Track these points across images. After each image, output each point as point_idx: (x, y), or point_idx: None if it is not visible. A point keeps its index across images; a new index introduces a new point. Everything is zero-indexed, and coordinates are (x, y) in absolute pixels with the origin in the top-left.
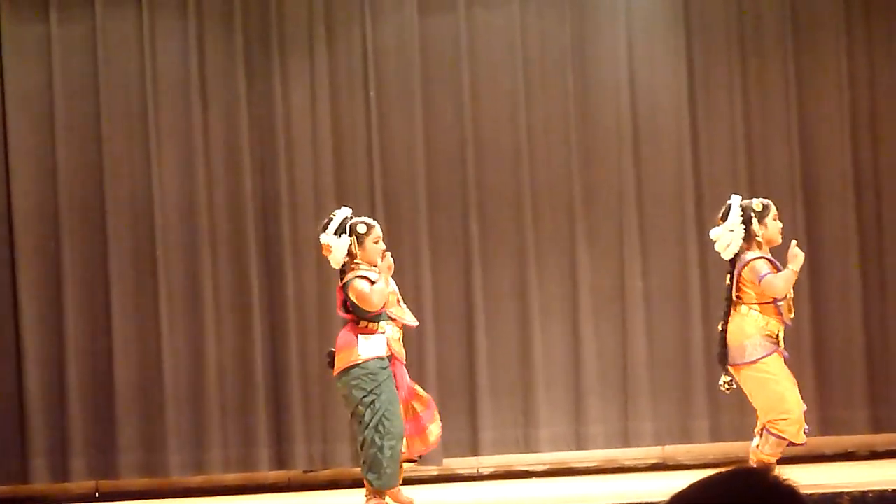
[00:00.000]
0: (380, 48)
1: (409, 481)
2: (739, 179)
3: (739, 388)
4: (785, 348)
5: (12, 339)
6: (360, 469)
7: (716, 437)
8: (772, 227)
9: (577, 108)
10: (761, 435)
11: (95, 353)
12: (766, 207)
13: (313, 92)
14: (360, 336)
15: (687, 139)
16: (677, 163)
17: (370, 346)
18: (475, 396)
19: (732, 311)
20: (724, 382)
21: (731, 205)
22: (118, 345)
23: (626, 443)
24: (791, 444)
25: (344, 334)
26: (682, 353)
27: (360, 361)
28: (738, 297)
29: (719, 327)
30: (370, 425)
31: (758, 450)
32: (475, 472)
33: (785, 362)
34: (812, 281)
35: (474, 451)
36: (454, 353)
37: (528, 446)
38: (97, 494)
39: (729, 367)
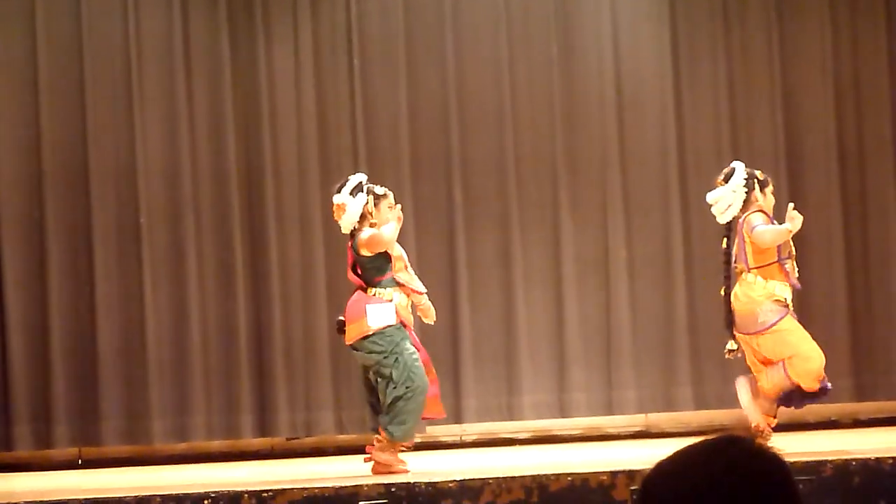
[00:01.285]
0: (364, 15)
1: None
2: (723, 148)
3: (744, 357)
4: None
5: None
6: (345, 435)
7: (699, 404)
8: (769, 199)
9: (560, 76)
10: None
11: (79, 321)
12: (766, 179)
13: (297, 59)
14: (368, 306)
15: (670, 107)
16: (661, 131)
17: (380, 316)
18: (459, 364)
19: (738, 279)
20: (729, 350)
21: (734, 168)
22: (102, 312)
23: (609, 411)
24: (806, 394)
25: (353, 303)
26: (666, 322)
27: (371, 332)
28: (744, 263)
29: (721, 292)
30: (400, 382)
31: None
32: (459, 439)
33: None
34: (795, 250)
35: (458, 419)
36: (438, 322)
37: (511, 414)
38: (80, 461)
39: (739, 337)
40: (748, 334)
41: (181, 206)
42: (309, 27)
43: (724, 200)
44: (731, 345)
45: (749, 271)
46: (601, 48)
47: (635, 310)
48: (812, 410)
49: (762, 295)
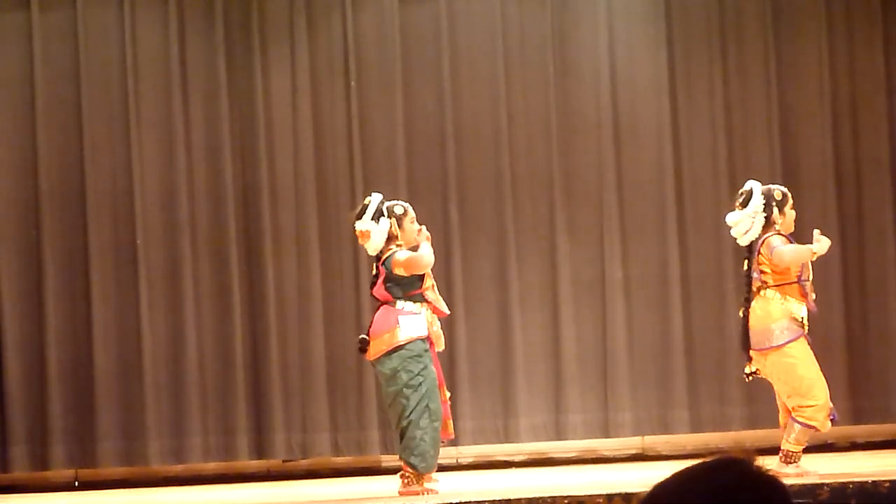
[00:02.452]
0: (360, 37)
1: (388, 471)
2: (719, 169)
3: (762, 377)
4: (809, 332)
5: None
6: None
7: (695, 427)
8: (789, 216)
9: (557, 97)
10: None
11: (75, 342)
12: (785, 196)
13: (294, 81)
14: (400, 317)
15: (667, 128)
16: (657, 152)
17: (412, 327)
18: (455, 386)
19: (756, 296)
20: (747, 374)
21: (751, 191)
22: (98, 333)
23: (605, 433)
24: (817, 430)
25: (382, 316)
26: (662, 344)
27: (403, 343)
28: (762, 281)
29: (740, 313)
30: (416, 408)
31: (785, 440)
32: (454, 462)
33: (810, 346)
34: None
35: (453, 441)
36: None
37: (507, 436)
38: (77, 483)
39: (752, 353)
40: (761, 350)
41: (178, 228)
42: (306, 48)
43: (743, 224)
44: (748, 368)
45: (768, 288)
46: (598, 69)
47: (631, 332)
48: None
49: (779, 312)
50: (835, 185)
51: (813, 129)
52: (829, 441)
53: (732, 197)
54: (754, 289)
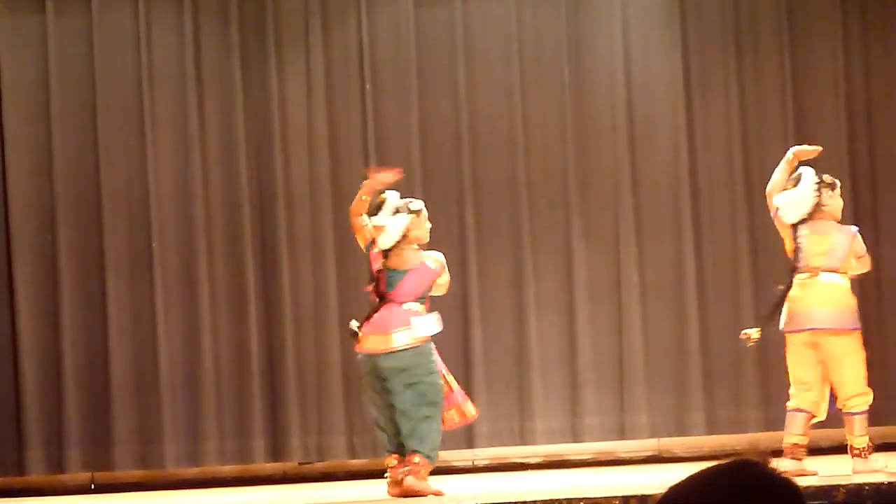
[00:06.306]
0: (375, 40)
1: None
2: (735, 172)
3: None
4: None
5: (8, 332)
6: (358, 460)
7: (711, 429)
8: (837, 202)
9: (572, 101)
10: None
11: (91, 345)
12: (833, 182)
13: (309, 84)
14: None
15: (683, 132)
16: (673, 155)
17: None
18: (471, 388)
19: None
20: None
21: (801, 173)
22: (114, 336)
23: (621, 435)
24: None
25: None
26: (678, 346)
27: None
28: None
29: (781, 288)
30: (435, 402)
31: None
32: (471, 464)
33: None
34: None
35: (470, 444)
36: (450, 346)
37: (523, 438)
38: (93, 486)
39: (812, 331)
40: (835, 330)
41: (193, 231)
42: (321, 52)
43: (792, 203)
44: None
45: (836, 273)
46: (613, 73)
47: (647, 334)
48: (825, 435)
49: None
50: (850, 185)
51: (828, 130)
52: (845, 443)
53: (748, 199)
54: (823, 269)
